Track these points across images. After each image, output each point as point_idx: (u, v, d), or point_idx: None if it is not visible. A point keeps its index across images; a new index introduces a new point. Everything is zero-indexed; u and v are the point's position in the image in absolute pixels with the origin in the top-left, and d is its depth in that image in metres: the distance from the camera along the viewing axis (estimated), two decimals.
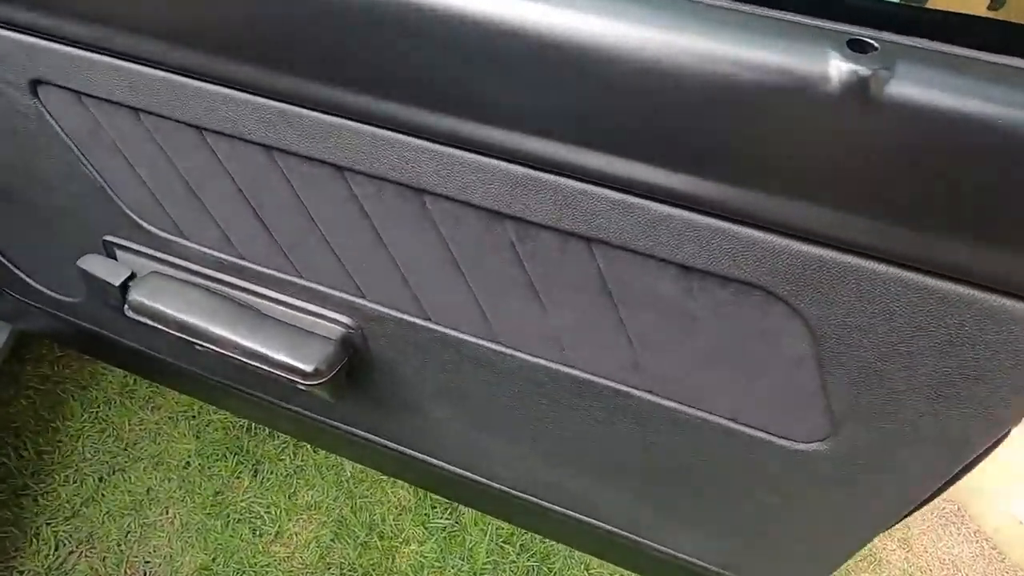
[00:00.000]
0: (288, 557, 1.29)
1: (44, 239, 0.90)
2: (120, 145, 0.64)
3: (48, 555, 1.27)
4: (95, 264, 0.76)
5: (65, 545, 1.29)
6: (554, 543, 1.37)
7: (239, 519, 1.34)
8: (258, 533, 1.32)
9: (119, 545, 1.29)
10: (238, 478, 1.41)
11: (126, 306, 0.71)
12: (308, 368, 0.64)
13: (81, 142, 0.66)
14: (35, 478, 1.40)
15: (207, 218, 0.66)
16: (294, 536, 1.32)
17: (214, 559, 1.28)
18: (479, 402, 0.68)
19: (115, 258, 0.78)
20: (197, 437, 1.48)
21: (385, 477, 1.43)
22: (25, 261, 0.98)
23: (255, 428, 1.51)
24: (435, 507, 1.39)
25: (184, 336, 0.68)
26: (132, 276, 0.74)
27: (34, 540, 1.29)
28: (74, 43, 0.57)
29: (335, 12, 0.45)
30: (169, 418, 1.53)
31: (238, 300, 0.69)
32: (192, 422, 1.52)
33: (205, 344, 0.67)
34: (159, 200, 0.68)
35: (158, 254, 0.74)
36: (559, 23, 0.41)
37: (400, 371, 0.69)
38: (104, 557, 1.28)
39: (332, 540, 1.31)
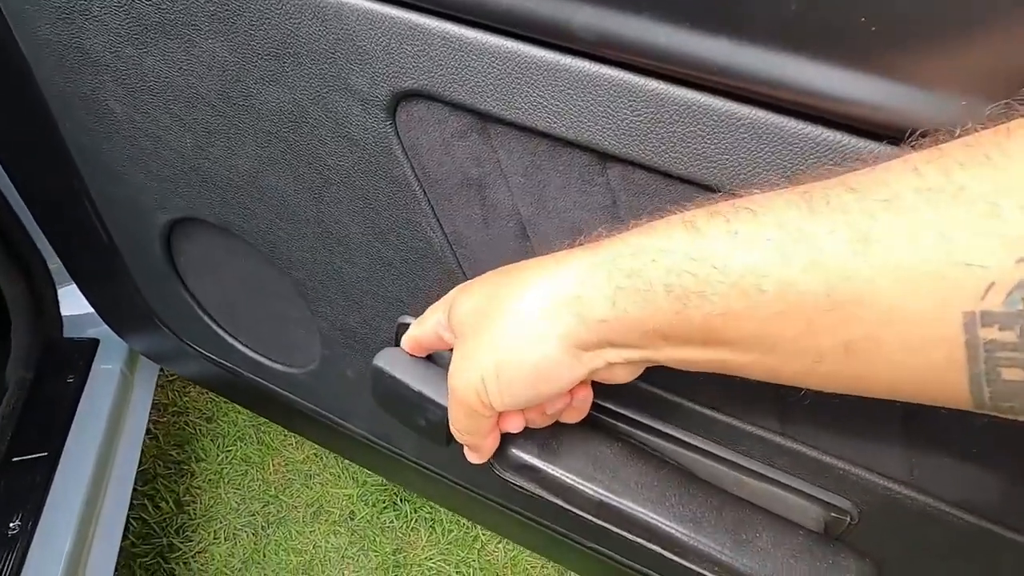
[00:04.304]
0: None
1: (278, 301, 0.67)
2: (524, 201, 0.41)
3: None
4: (404, 367, 0.53)
5: None
6: None
7: None
8: None
9: None
10: (414, 531, 1.22)
11: (492, 457, 0.46)
12: None
13: (437, 185, 0.43)
14: (181, 535, 1.21)
15: None
16: None
17: None
18: None
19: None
20: (355, 480, 1.29)
21: None
22: (230, 318, 0.76)
23: None
24: None
25: (593, 519, 0.42)
26: None
27: None
28: (543, 42, 0.33)
29: None
30: (316, 455, 1.33)
31: (652, 451, 0.46)
32: (344, 461, 1.32)
33: (620, 531, 0.42)
34: None
35: None
36: None
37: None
38: None
39: None
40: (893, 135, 0.29)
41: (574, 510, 0.44)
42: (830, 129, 0.29)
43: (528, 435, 0.44)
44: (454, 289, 0.39)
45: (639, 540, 0.42)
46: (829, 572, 0.40)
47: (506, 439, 0.44)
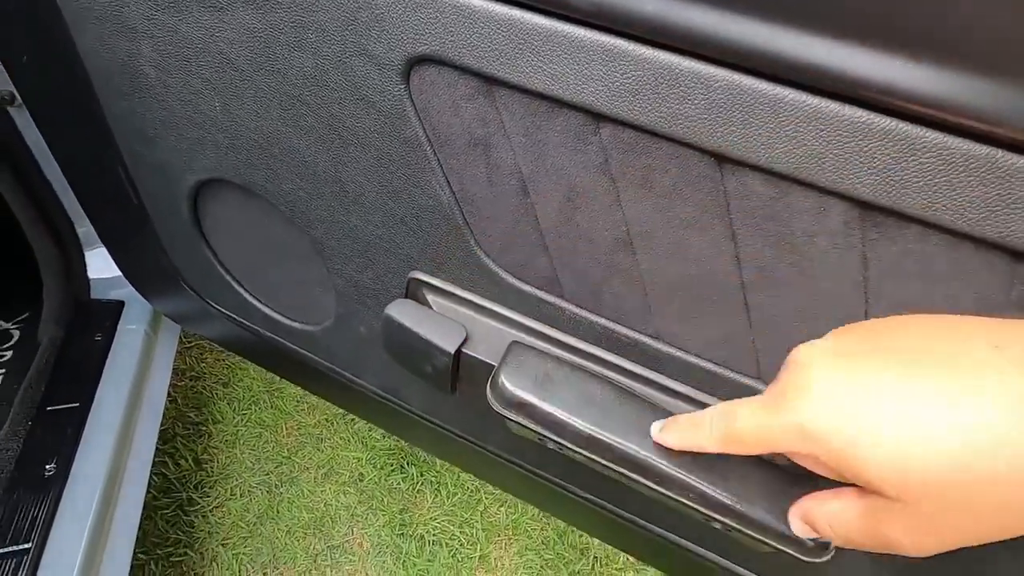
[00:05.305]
0: None
1: (296, 260, 0.71)
2: (525, 159, 0.44)
3: None
4: (413, 316, 0.57)
5: (249, 570, 1.18)
6: None
7: (434, 541, 1.21)
8: (458, 557, 1.19)
9: (310, 571, 1.17)
10: (420, 493, 1.28)
11: (490, 394, 0.50)
12: (813, 542, 0.41)
13: (446, 145, 0.47)
14: (199, 491, 1.28)
15: (629, 284, 0.47)
16: (498, 561, 1.20)
17: None
18: None
19: (425, 303, 0.60)
20: (364, 444, 1.34)
21: None
22: (250, 277, 0.81)
23: None
24: None
25: (594, 459, 0.46)
26: (465, 339, 0.55)
27: (213, 564, 1.18)
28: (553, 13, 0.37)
29: None
30: (327, 420, 1.39)
31: (638, 395, 0.50)
32: (353, 426, 1.38)
33: (619, 469, 0.45)
34: (547, 244, 0.49)
35: (502, 310, 0.55)
36: None
37: None
38: None
39: (542, 567, 1.18)
40: (862, 100, 0.32)
41: (565, 443, 0.48)
42: (796, 91, 0.33)
43: (523, 373, 0.49)
44: (824, 398, 0.27)
45: (622, 470, 0.46)
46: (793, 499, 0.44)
47: (503, 378, 0.49)
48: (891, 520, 0.27)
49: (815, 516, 0.33)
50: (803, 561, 0.44)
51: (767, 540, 0.43)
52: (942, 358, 0.25)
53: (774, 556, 0.46)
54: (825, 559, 0.43)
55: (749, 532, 0.43)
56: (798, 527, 0.36)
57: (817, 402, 0.27)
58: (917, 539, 0.26)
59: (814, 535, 0.35)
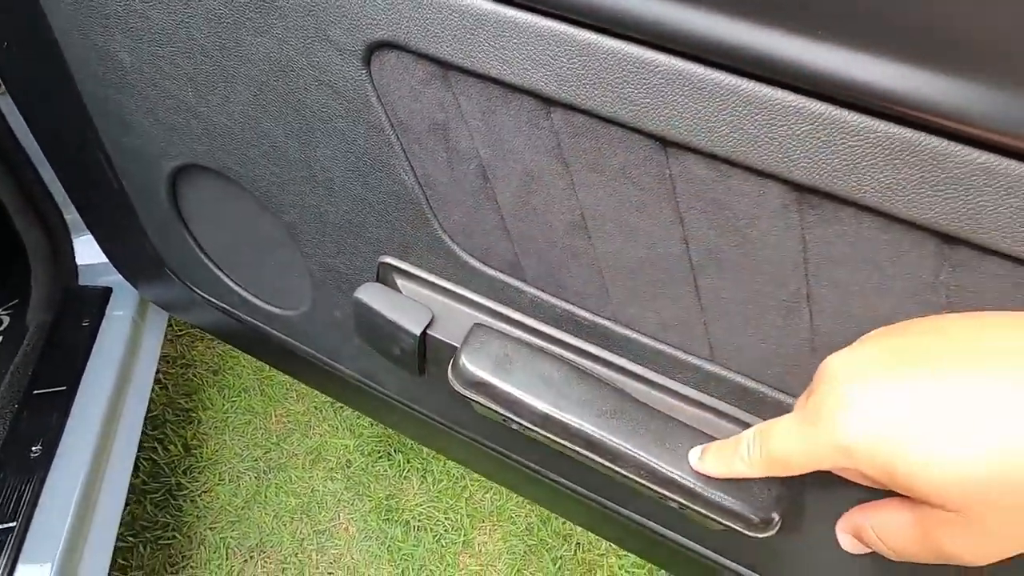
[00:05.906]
0: (480, 571, 1.19)
1: (274, 246, 0.73)
2: (483, 144, 0.45)
3: (221, 564, 1.18)
4: (381, 299, 0.58)
5: (236, 554, 1.20)
6: None
7: (419, 526, 1.23)
8: (442, 542, 1.21)
9: (296, 555, 1.19)
10: (406, 479, 1.29)
11: (451, 374, 0.51)
12: (756, 517, 0.43)
13: (408, 130, 0.48)
14: (188, 476, 1.29)
15: (586, 267, 0.48)
16: (482, 547, 1.21)
17: (403, 572, 1.18)
18: None
19: (394, 287, 0.61)
20: (352, 432, 1.36)
21: None
22: (231, 263, 0.82)
23: None
24: None
25: (551, 437, 0.48)
26: (431, 321, 0.57)
27: (201, 547, 1.20)
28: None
29: None
30: (315, 408, 1.40)
31: (595, 376, 0.50)
32: (342, 414, 1.39)
33: (574, 447, 0.47)
34: (508, 228, 0.50)
35: (467, 294, 0.56)
36: None
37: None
38: (283, 568, 1.18)
39: (525, 552, 1.20)
40: (793, 85, 0.33)
41: (522, 422, 0.49)
42: (732, 75, 0.34)
43: (483, 354, 0.50)
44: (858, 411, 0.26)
45: (577, 448, 0.48)
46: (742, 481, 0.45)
47: (464, 359, 0.50)
48: (947, 531, 0.26)
49: (863, 529, 0.32)
50: (751, 537, 0.45)
51: (712, 515, 0.44)
52: (985, 358, 0.24)
53: (746, 540, 0.47)
54: (769, 534, 0.44)
55: (696, 507, 0.45)
56: (847, 542, 0.34)
57: (859, 416, 0.26)
58: (975, 549, 0.26)
59: (866, 550, 0.33)
